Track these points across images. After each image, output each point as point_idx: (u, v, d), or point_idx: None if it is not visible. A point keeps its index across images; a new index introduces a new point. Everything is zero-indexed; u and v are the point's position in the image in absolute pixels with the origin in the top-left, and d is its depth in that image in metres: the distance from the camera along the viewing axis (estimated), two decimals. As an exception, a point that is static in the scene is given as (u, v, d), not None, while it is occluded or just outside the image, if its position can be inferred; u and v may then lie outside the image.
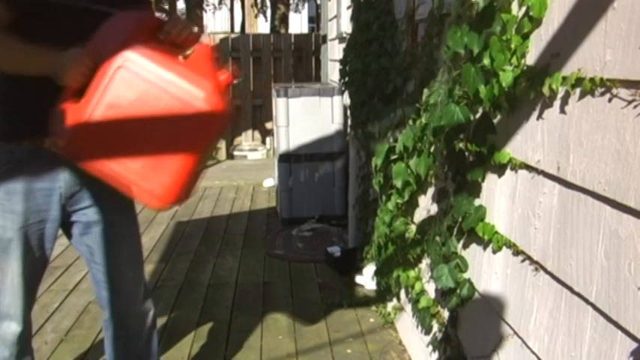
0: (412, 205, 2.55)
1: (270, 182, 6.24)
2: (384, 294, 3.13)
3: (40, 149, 1.69)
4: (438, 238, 2.14)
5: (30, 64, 1.62)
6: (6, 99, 1.71)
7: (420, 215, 2.49)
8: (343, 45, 4.02)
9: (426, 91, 2.14)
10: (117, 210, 1.90)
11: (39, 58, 1.60)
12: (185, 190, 1.61)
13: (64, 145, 1.59)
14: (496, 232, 1.83)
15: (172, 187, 1.58)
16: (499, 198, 1.81)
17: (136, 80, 1.53)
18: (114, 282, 1.94)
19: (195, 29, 1.68)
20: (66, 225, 1.87)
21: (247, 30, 16.08)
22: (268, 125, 8.24)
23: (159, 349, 2.16)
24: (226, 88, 1.63)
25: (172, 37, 1.66)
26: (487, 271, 1.91)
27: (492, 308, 1.86)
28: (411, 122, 2.29)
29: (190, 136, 1.58)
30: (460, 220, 1.97)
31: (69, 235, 1.92)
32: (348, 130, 4.33)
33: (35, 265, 1.83)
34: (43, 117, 1.58)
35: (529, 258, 1.64)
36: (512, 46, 1.63)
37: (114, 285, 1.95)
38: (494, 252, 1.85)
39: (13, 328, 1.81)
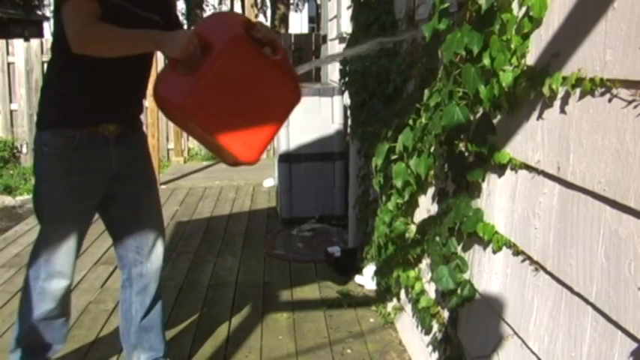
0: (412, 205, 2.55)
1: (270, 182, 6.24)
2: (384, 294, 3.13)
3: (96, 135, 2.11)
4: (438, 239, 2.14)
5: (140, 43, 2.01)
6: (69, 96, 2.11)
7: (420, 215, 2.49)
8: (343, 45, 4.02)
9: (426, 92, 2.14)
10: (146, 186, 2.33)
11: (149, 38, 2.00)
12: (262, 150, 2.08)
13: (178, 103, 1.94)
14: (496, 232, 1.83)
15: (259, 148, 2.05)
16: (499, 198, 1.81)
17: (240, 60, 1.97)
18: (144, 244, 2.34)
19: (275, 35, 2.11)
20: (105, 201, 2.25)
21: (247, 30, 16.06)
22: (268, 125, 8.24)
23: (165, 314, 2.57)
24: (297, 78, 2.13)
25: (261, 36, 2.03)
26: (487, 271, 1.91)
27: (492, 308, 1.87)
28: (411, 122, 2.29)
29: (277, 110, 2.08)
30: (459, 223, 1.97)
31: (105, 210, 2.29)
32: (348, 130, 4.33)
33: (84, 232, 2.24)
34: (98, 109, 2.07)
35: (529, 258, 1.64)
36: (513, 46, 1.63)
37: (143, 247, 2.34)
38: (494, 252, 1.85)
39: (63, 283, 2.21)
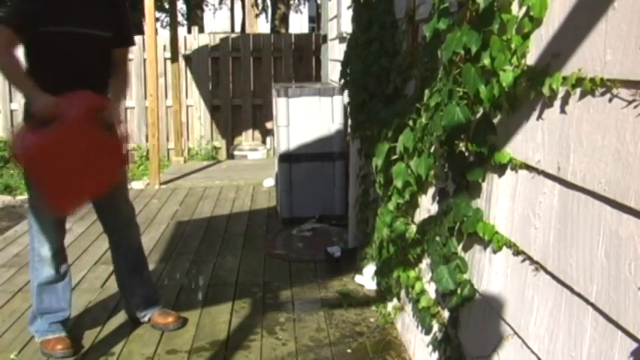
0: (412, 205, 2.55)
1: (270, 182, 6.23)
2: (384, 294, 3.13)
3: None
4: (438, 239, 2.14)
5: (22, 88, 2.55)
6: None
7: (420, 215, 2.49)
8: (343, 45, 4.02)
9: (426, 92, 2.14)
10: None
11: (28, 90, 2.48)
12: (70, 210, 2.79)
13: (18, 154, 2.49)
14: (496, 232, 1.82)
15: (69, 207, 2.66)
16: (499, 198, 1.81)
17: (74, 135, 2.42)
18: (120, 215, 2.92)
19: (121, 122, 2.65)
20: None
21: (247, 30, 16.07)
22: (268, 125, 8.24)
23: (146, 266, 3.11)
24: (118, 171, 2.71)
25: (106, 120, 2.52)
26: (487, 271, 1.91)
27: (492, 308, 1.87)
28: (411, 122, 2.29)
29: (96, 183, 2.55)
30: (459, 223, 1.97)
31: None
32: (349, 130, 4.33)
33: None
34: None
35: (529, 258, 1.64)
36: (513, 46, 1.63)
37: (120, 217, 2.92)
38: (494, 252, 1.85)
39: (53, 249, 2.71)
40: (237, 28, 18.46)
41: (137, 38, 8.08)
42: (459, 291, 2.05)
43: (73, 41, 2.53)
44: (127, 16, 2.83)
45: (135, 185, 6.51)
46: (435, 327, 2.35)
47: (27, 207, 2.81)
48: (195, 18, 16.05)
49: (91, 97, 2.49)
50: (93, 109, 2.48)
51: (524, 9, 1.59)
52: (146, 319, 3.01)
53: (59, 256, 2.76)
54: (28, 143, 2.43)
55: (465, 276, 2.05)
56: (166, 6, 12.13)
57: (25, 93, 2.54)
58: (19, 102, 8.06)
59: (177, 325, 2.98)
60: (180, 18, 15.45)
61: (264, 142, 8.48)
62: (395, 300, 2.97)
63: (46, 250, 2.70)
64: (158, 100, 6.65)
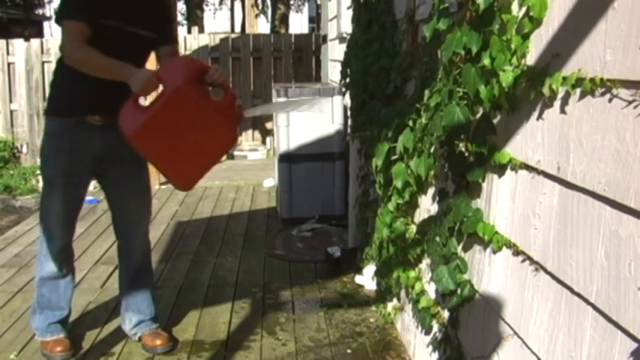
0: (412, 205, 2.55)
1: (270, 182, 6.23)
2: (384, 294, 3.13)
3: (83, 122, 2.53)
4: (438, 239, 2.14)
5: (113, 73, 2.39)
6: (66, 88, 2.55)
7: (420, 215, 2.49)
8: (343, 45, 4.02)
9: (426, 92, 2.14)
10: (134, 168, 2.70)
11: (121, 71, 2.37)
12: (196, 182, 2.52)
13: (127, 132, 2.31)
14: (496, 233, 1.83)
15: (191, 181, 2.51)
16: (499, 198, 1.81)
17: (181, 106, 2.29)
18: (127, 219, 2.80)
19: (227, 80, 2.51)
20: (99, 178, 2.74)
21: (247, 30, 16.06)
22: (268, 125, 8.24)
23: (153, 274, 3.06)
24: (237, 122, 2.46)
25: (211, 81, 2.39)
26: (487, 272, 1.91)
27: (492, 308, 1.87)
28: (411, 123, 2.29)
29: (213, 151, 2.46)
30: (459, 223, 1.97)
31: (101, 186, 2.80)
32: (348, 130, 4.33)
33: (72, 204, 2.68)
34: (88, 103, 2.50)
35: (529, 258, 1.64)
36: (513, 46, 1.63)
37: (127, 221, 2.81)
38: (494, 252, 1.85)
39: (58, 245, 2.69)
40: (237, 29, 18.46)
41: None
42: (458, 291, 2.05)
43: (120, 38, 2.48)
44: (174, 17, 2.85)
45: (135, 185, 6.49)
46: (435, 327, 2.35)
47: (36, 201, 2.82)
48: (195, 18, 16.06)
49: (189, 61, 2.42)
50: (194, 73, 2.35)
51: (524, 9, 1.59)
52: (137, 337, 2.88)
53: (63, 254, 2.74)
54: (139, 123, 2.30)
55: (465, 276, 2.05)
56: (166, 6, 12.11)
57: (119, 76, 2.37)
58: (18, 102, 8.07)
59: (165, 348, 2.81)
60: (180, 18, 15.45)
61: (264, 142, 8.48)
62: (395, 300, 2.97)
63: (51, 246, 2.69)
64: (158, 100, 6.64)
